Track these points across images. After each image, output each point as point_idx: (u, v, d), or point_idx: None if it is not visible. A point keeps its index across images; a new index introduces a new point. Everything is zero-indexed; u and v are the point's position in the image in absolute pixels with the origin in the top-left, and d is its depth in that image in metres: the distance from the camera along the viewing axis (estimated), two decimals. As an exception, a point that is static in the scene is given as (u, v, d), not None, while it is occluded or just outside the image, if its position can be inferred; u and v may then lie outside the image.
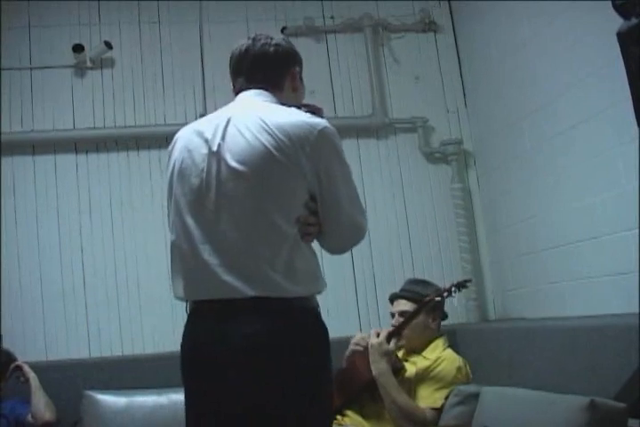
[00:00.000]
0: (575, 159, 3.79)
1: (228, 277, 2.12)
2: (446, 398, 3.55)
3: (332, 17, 5.28)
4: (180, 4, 5.11)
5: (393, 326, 3.81)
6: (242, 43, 2.48)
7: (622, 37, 1.39)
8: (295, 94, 2.49)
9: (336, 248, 2.40)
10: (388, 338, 3.70)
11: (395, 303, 3.94)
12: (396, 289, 4.03)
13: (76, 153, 4.80)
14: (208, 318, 2.20)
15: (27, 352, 4.16)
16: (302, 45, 5.13)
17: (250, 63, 2.44)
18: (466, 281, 3.92)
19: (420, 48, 5.33)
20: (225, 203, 2.17)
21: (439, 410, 3.55)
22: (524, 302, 4.52)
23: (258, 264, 2.12)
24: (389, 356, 3.67)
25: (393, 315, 3.89)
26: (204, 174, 2.21)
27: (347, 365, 3.83)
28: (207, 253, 2.16)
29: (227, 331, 2.13)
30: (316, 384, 2.16)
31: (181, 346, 2.28)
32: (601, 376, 2.95)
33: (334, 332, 4.45)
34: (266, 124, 2.17)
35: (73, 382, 4.15)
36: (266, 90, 2.39)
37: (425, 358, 3.77)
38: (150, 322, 4.63)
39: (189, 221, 2.22)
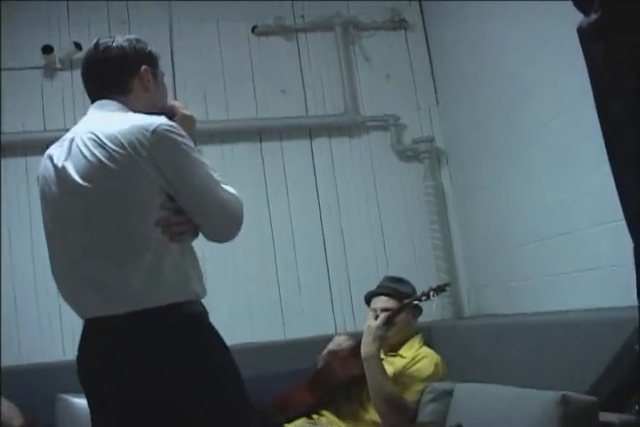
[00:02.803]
0: (545, 155, 3.82)
1: (94, 297, 2.15)
2: (420, 394, 3.56)
3: (302, 16, 5.27)
4: (150, 3, 5.08)
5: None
6: (86, 52, 2.43)
7: (582, 33, 1.40)
8: (148, 94, 2.40)
9: (219, 236, 2.31)
10: (386, 323, 3.68)
11: (374, 300, 3.92)
12: (371, 288, 4.03)
13: (47, 155, 4.77)
14: (85, 338, 2.24)
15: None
16: (273, 44, 5.19)
17: (93, 72, 2.40)
18: (445, 285, 3.92)
19: (391, 46, 5.35)
20: (80, 223, 2.18)
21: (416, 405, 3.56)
22: (497, 298, 4.55)
23: (117, 279, 2.12)
24: (383, 340, 3.65)
25: (374, 312, 3.88)
26: (58, 198, 2.23)
27: (323, 364, 3.82)
28: (77, 276, 2.20)
29: (93, 352, 2.19)
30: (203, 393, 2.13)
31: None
32: (573, 371, 2.98)
33: (309, 331, 4.55)
34: (99, 137, 2.14)
35: (47, 385, 4.11)
36: (112, 98, 2.33)
37: (402, 357, 3.77)
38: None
39: (58, 246, 2.26)
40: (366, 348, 3.60)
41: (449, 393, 3.26)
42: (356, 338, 3.73)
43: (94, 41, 2.41)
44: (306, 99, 5.17)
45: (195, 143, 2.30)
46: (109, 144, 2.12)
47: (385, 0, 5.36)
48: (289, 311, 4.83)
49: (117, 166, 2.10)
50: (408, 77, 5.31)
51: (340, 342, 3.84)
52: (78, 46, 4.76)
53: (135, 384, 2.11)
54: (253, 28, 5.17)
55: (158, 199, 2.16)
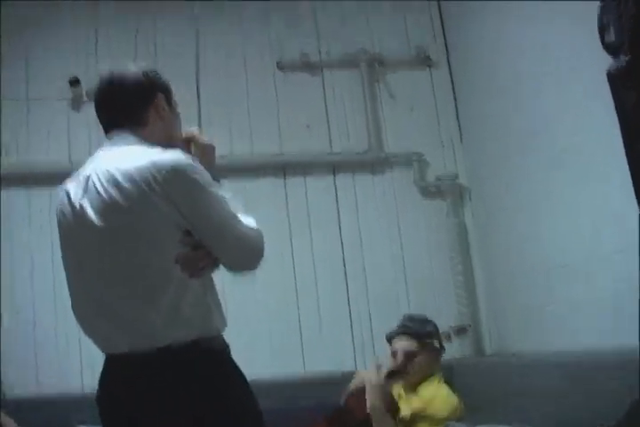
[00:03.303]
0: (570, 194, 3.79)
1: (116, 334, 2.16)
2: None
3: (327, 52, 5.30)
4: (177, 37, 5.14)
5: (394, 363, 3.76)
6: (97, 83, 2.43)
7: (612, 77, 1.39)
8: (164, 123, 2.39)
9: (239, 268, 2.32)
10: (389, 376, 3.65)
11: (395, 340, 3.89)
12: (393, 325, 4.00)
13: (73, 186, 4.79)
14: (107, 373, 2.25)
15: (18, 385, 4.12)
16: (298, 80, 5.22)
17: (107, 103, 2.40)
18: (466, 327, 3.90)
19: (416, 83, 5.36)
20: (99, 261, 2.17)
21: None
22: (521, 335, 4.50)
23: (139, 317, 2.11)
24: (387, 393, 3.63)
25: (394, 353, 3.84)
26: (77, 235, 2.23)
27: (344, 402, 3.78)
28: (98, 313, 2.19)
29: (114, 388, 2.19)
30: None
31: None
32: (598, 411, 2.93)
33: (329, 366, 4.51)
34: (113, 175, 2.13)
35: (65, 417, 4.09)
36: (128, 130, 2.33)
37: (420, 397, 3.73)
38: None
39: (78, 282, 2.26)
40: (371, 401, 3.57)
41: (467, 435, 3.22)
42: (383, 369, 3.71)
43: (107, 71, 2.41)
44: (330, 134, 5.19)
45: (216, 171, 2.30)
46: (124, 181, 2.11)
47: (410, 37, 5.38)
48: (309, 346, 4.80)
49: (132, 204, 2.10)
50: (432, 114, 5.31)
51: (361, 379, 3.79)
52: (105, 79, 4.80)
53: (155, 420, 2.10)
54: (279, 64, 5.21)
55: (176, 235, 2.15)
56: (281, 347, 4.74)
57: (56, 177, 4.62)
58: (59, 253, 4.50)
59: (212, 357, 2.17)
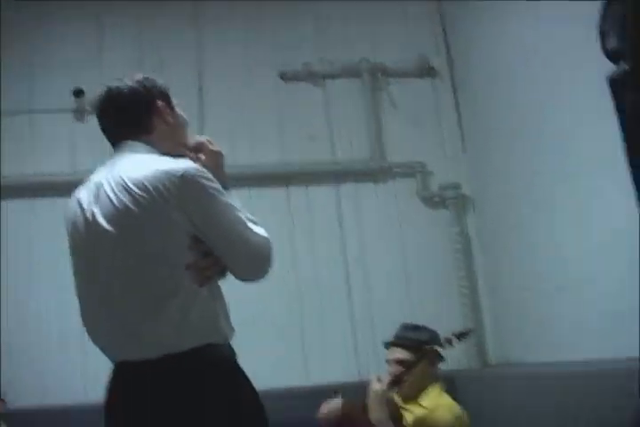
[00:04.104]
0: (575, 205, 3.79)
1: (125, 342, 2.16)
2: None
3: (330, 62, 5.31)
4: (181, 48, 5.16)
5: (391, 374, 3.76)
6: (96, 95, 2.44)
7: (613, 83, 1.40)
8: (170, 128, 2.41)
9: (248, 276, 2.31)
10: (390, 386, 3.66)
11: (390, 350, 3.89)
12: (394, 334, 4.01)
13: (76, 197, 4.79)
14: (115, 381, 2.23)
15: (22, 399, 4.13)
16: (300, 90, 5.23)
17: (108, 117, 2.42)
18: (468, 331, 3.88)
19: (419, 93, 5.37)
20: (107, 269, 2.18)
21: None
22: (524, 346, 4.50)
23: (148, 325, 2.12)
24: (389, 404, 3.63)
25: (388, 362, 3.85)
26: (88, 244, 2.23)
27: (342, 414, 3.77)
28: (108, 322, 2.19)
29: (122, 395, 2.18)
30: None
31: None
32: (603, 423, 2.92)
33: (332, 377, 4.50)
34: (125, 182, 2.15)
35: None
36: (135, 138, 2.35)
37: (421, 406, 3.72)
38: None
39: (87, 291, 2.27)
40: (374, 413, 3.56)
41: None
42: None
43: (105, 85, 2.42)
44: (333, 144, 5.20)
45: (225, 179, 2.32)
46: (135, 189, 2.12)
47: (412, 47, 5.40)
48: (313, 357, 4.80)
49: (143, 212, 2.11)
50: (435, 125, 5.32)
51: (331, 409, 3.77)
52: (109, 90, 4.82)
53: None
54: (281, 74, 5.22)
55: (185, 243, 2.16)
56: (284, 358, 4.73)
57: (60, 188, 4.72)
58: (62, 264, 4.50)
59: (220, 364, 2.17)
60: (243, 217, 2.25)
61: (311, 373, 4.74)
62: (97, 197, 2.22)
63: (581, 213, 3.73)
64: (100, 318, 2.22)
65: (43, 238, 4.70)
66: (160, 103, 2.40)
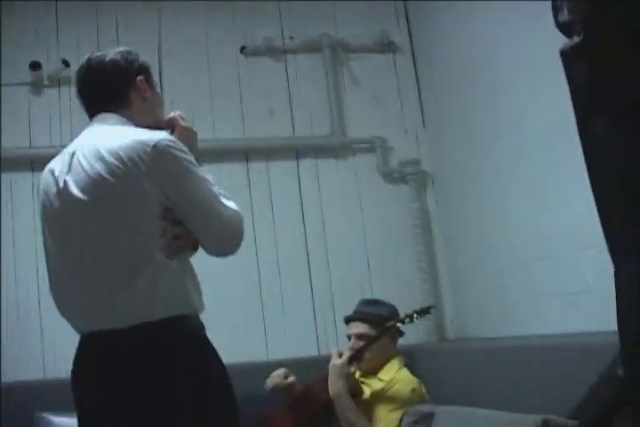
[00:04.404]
0: (531, 180, 3.83)
1: (94, 312, 2.16)
2: (401, 419, 3.54)
3: (291, 37, 5.28)
4: (139, 23, 5.09)
5: (351, 348, 3.78)
6: (79, 67, 2.46)
7: (565, 55, 1.41)
8: (147, 104, 2.44)
9: (220, 250, 2.34)
10: (350, 360, 3.68)
11: (350, 325, 3.92)
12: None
13: (33, 171, 4.74)
14: (82, 351, 2.25)
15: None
16: (261, 65, 5.20)
17: (88, 88, 2.43)
18: (429, 308, 3.91)
19: (379, 69, 5.36)
20: (80, 238, 2.20)
21: (394, 432, 3.55)
22: (482, 321, 4.54)
23: (117, 294, 2.13)
24: (349, 378, 3.66)
25: (349, 337, 3.88)
26: (59, 212, 2.24)
27: (302, 387, 3.80)
28: (76, 291, 2.20)
29: (89, 366, 2.21)
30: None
31: None
32: (555, 396, 2.97)
33: (292, 352, 4.52)
34: (100, 151, 2.17)
35: (27, 404, 4.07)
36: (113, 111, 2.37)
37: (380, 379, 3.76)
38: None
39: (57, 261, 2.28)
40: (333, 387, 3.61)
41: (430, 416, 3.25)
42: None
43: (87, 56, 2.44)
44: (293, 120, 5.18)
45: (197, 154, 2.33)
46: (110, 158, 2.14)
47: (373, 23, 5.38)
48: (272, 332, 4.81)
49: (117, 180, 2.13)
50: (395, 100, 5.32)
51: (280, 374, 3.80)
52: (66, 63, 4.76)
53: (132, 396, 2.11)
54: (242, 49, 5.19)
55: (157, 213, 2.18)
56: (244, 334, 4.73)
57: (17, 162, 4.67)
58: (19, 239, 4.46)
59: (190, 335, 2.20)
60: (216, 191, 2.27)
61: (271, 348, 4.75)
62: (69, 167, 2.23)
63: (535, 187, 3.77)
64: (71, 287, 2.23)
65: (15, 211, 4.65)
66: (140, 78, 2.43)
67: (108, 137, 2.23)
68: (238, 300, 4.79)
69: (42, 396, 4.15)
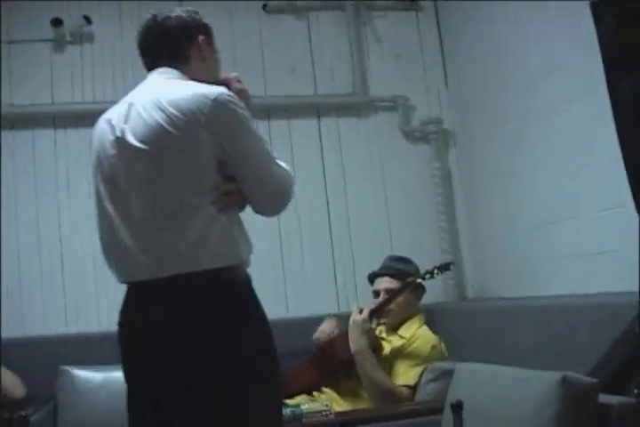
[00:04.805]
0: (555, 141, 3.80)
1: (143, 260, 2.17)
2: (421, 375, 3.58)
3: (314, -6, 5.24)
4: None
5: (376, 304, 3.81)
6: (144, 21, 2.47)
7: (595, 7, 1.40)
8: (205, 64, 2.47)
9: (269, 209, 2.39)
10: (371, 315, 3.71)
11: (377, 281, 3.94)
12: (375, 268, 4.04)
13: (55, 128, 4.76)
14: (130, 301, 2.27)
15: (2, 328, 4.14)
16: (283, 23, 5.17)
17: (151, 41, 2.45)
18: (449, 264, 3.94)
19: (402, 27, 5.31)
20: (134, 185, 2.21)
21: (414, 388, 3.58)
22: (501, 281, 4.55)
23: (167, 242, 2.14)
24: (369, 333, 3.68)
25: (376, 293, 3.90)
26: (114, 160, 2.25)
27: (323, 343, 3.84)
28: (127, 238, 2.20)
29: (137, 315, 2.22)
30: (235, 363, 2.14)
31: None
32: (575, 354, 2.98)
33: (313, 310, 4.54)
34: (160, 102, 2.18)
35: (49, 357, 4.12)
36: (171, 66, 2.39)
37: (400, 336, 3.79)
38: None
39: (109, 208, 2.27)
40: (354, 344, 3.64)
41: (449, 373, 3.27)
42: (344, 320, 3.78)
43: (152, 12, 2.46)
44: (315, 78, 5.16)
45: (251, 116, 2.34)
46: (170, 109, 2.16)
47: (397, -20, 5.32)
48: (292, 289, 4.84)
49: (175, 130, 2.14)
50: (418, 59, 5.28)
51: (327, 330, 3.85)
52: (88, 20, 4.76)
53: (180, 343, 2.13)
54: (264, 6, 5.15)
55: (213, 166, 2.19)
56: (265, 291, 4.73)
57: (39, 119, 4.69)
58: (41, 196, 4.47)
59: (237, 285, 2.22)
60: (270, 151, 2.30)
61: (291, 305, 4.79)
62: (127, 116, 2.25)
63: (558, 147, 3.74)
64: (119, 233, 2.23)
65: (21, 170, 4.67)
66: (202, 38, 2.46)
67: (169, 89, 2.25)
68: (259, 257, 4.74)
69: (64, 350, 4.22)
